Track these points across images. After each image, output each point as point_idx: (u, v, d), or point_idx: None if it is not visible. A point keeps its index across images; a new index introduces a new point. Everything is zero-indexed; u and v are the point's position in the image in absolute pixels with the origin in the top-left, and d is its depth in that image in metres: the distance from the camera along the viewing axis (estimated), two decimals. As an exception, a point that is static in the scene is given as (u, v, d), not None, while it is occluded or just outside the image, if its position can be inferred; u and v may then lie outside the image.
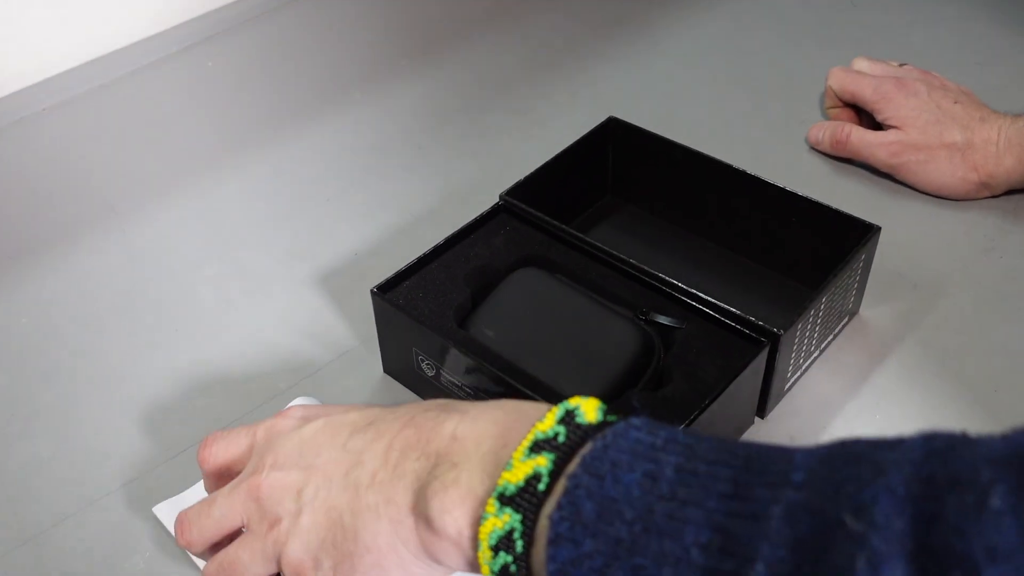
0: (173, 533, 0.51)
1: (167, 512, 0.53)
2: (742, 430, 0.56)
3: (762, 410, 0.57)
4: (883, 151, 0.72)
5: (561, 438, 0.35)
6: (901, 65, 0.77)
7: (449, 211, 0.72)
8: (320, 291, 0.67)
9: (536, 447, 0.36)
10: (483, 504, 0.36)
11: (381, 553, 0.39)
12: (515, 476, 0.35)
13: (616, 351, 0.54)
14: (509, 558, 0.35)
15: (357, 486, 0.40)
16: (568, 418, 0.36)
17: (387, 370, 0.61)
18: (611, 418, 0.36)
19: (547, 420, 0.36)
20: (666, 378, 0.53)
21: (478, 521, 0.36)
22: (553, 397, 0.50)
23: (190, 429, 0.58)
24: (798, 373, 0.59)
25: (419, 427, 0.40)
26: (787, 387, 0.58)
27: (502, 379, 0.51)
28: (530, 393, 0.50)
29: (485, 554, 0.36)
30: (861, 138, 0.73)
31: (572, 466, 0.34)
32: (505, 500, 0.35)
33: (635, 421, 0.35)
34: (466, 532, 0.36)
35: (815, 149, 0.77)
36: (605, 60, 0.90)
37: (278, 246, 0.71)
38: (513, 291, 0.58)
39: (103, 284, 0.69)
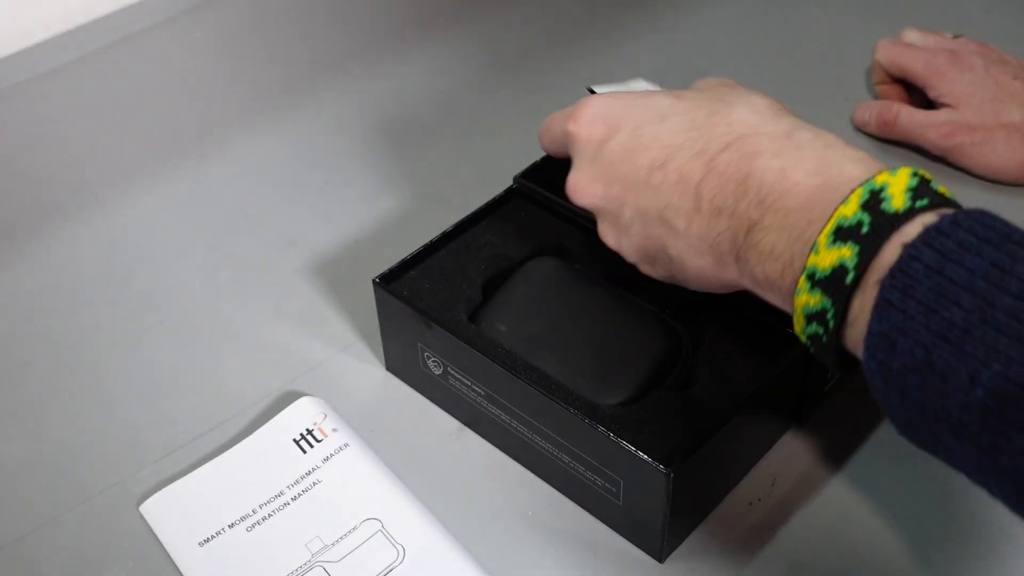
0: (160, 536, 0.53)
1: (156, 510, 0.54)
2: (776, 437, 0.57)
3: (800, 415, 0.58)
4: (935, 132, 0.73)
5: (865, 228, 0.38)
6: (956, 37, 0.77)
7: (458, 195, 0.72)
8: (317, 281, 0.68)
9: (839, 233, 0.39)
10: (797, 274, 0.40)
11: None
12: (822, 262, 0.39)
13: (640, 348, 0.55)
14: (820, 329, 0.40)
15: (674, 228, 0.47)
16: (872, 202, 0.38)
17: (389, 367, 0.62)
18: (920, 203, 0.38)
19: (850, 203, 0.39)
20: (694, 378, 0.54)
21: (793, 290, 0.41)
22: (571, 398, 0.51)
23: (176, 429, 0.59)
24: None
25: (721, 176, 0.44)
26: (828, 388, 0.59)
27: (515, 378, 0.52)
28: (544, 392, 0.51)
29: (799, 320, 0.41)
30: (911, 118, 0.74)
31: (911, 235, 0.37)
32: (815, 282, 0.39)
33: (978, 212, 0.36)
34: (785, 290, 0.42)
35: (861, 131, 0.78)
36: (629, 32, 0.90)
37: (272, 232, 0.72)
38: (528, 282, 0.59)
39: (82, 273, 0.70)
